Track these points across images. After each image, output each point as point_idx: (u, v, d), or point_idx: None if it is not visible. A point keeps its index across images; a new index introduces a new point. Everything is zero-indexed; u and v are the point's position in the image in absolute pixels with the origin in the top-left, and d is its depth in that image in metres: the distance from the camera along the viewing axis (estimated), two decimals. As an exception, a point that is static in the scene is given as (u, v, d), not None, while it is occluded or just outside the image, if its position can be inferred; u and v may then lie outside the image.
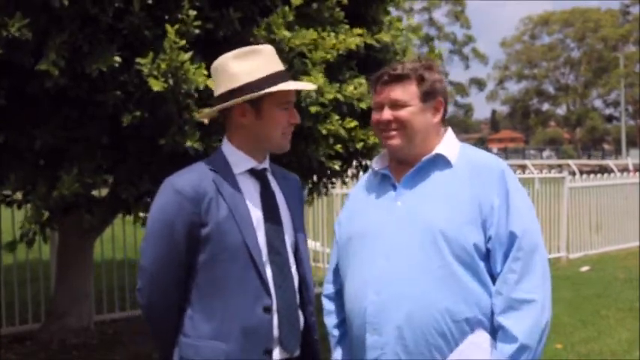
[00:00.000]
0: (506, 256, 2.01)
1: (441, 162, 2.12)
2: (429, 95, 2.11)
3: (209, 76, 3.11)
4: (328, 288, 2.32)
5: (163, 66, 3.08)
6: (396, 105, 2.10)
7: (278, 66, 2.09)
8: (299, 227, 2.21)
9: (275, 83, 2.03)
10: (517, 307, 1.98)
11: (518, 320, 1.97)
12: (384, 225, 2.09)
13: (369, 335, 2.06)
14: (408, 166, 2.13)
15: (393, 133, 2.11)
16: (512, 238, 2.01)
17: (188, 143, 3.28)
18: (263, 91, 2.02)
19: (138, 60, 3.10)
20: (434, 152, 2.11)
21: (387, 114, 2.11)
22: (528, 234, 2.02)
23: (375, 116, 2.16)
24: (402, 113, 2.09)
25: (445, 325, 1.99)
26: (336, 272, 2.29)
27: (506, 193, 2.04)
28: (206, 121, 2.27)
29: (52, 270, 6.13)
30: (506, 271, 2.00)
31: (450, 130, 2.21)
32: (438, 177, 2.10)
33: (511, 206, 2.03)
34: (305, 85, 2.18)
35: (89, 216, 4.58)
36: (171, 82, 3.10)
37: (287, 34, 3.50)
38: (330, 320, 2.30)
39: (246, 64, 2.04)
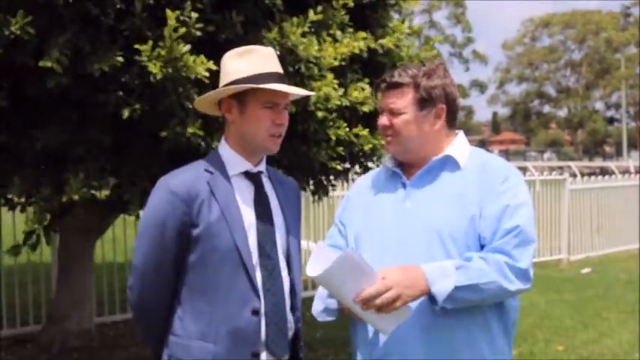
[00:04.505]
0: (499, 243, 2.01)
1: (450, 163, 2.14)
2: (426, 102, 2.12)
3: (209, 67, 3.12)
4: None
5: (163, 53, 3.07)
6: (392, 112, 2.14)
7: (272, 67, 2.09)
8: (294, 233, 2.20)
9: (262, 82, 2.03)
10: (489, 261, 1.98)
11: (483, 262, 1.97)
12: (392, 225, 2.11)
13: (374, 334, 2.07)
14: (418, 166, 2.15)
15: (389, 139, 2.17)
16: (511, 231, 2.00)
17: (190, 130, 3.27)
18: (244, 86, 2.03)
19: (137, 46, 3.09)
20: (443, 154, 2.14)
21: (383, 120, 2.17)
22: (526, 228, 2.02)
23: (378, 120, 2.21)
24: (396, 121, 2.13)
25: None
26: None
27: (508, 194, 2.05)
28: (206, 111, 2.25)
29: (52, 272, 6.13)
30: (503, 243, 2.00)
31: (461, 133, 2.23)
32: (447, 178, 2.12)
33: (511, 206, 2.03)
34: (294, 90, 2.11)
35: (89, 216, 4.57)
36: (170, 70, 3.10)
37: (303, 40, 3.52)
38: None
39: (240, 63, 2.07)
